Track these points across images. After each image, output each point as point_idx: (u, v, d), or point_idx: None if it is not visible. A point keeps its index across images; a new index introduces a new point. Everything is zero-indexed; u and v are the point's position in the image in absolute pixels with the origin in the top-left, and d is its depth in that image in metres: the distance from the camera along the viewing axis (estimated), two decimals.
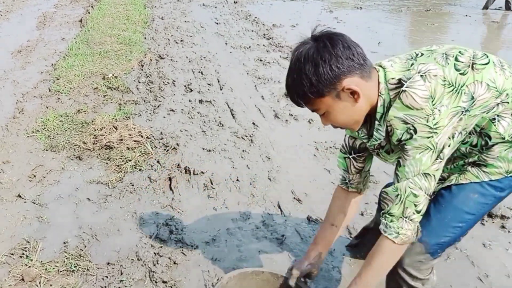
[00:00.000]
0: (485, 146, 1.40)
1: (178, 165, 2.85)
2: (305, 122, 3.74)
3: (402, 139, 1.28)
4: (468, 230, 1.50)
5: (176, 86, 4.38)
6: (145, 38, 5.92)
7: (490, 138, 1.38)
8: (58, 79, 4.15)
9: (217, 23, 7.56)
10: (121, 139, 2.96)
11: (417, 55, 1.38)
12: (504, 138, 1.37)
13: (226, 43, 6.21)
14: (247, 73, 4.98)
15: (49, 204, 2.40)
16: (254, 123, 3.64)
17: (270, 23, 7.75)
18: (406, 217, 1.33)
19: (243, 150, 3.18)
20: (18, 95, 3.91)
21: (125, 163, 2.77)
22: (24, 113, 3.49)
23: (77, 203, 2.43)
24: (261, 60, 5.47)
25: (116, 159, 2.82)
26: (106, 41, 5.29)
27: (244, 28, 7.27)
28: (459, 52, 1.34)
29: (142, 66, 4.70)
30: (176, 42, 6.08)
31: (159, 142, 3.11)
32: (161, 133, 3.28)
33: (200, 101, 4.03)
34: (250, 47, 6.07)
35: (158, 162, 2.86)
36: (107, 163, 2.81)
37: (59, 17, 7.24)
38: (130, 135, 3.01)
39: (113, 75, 4.26)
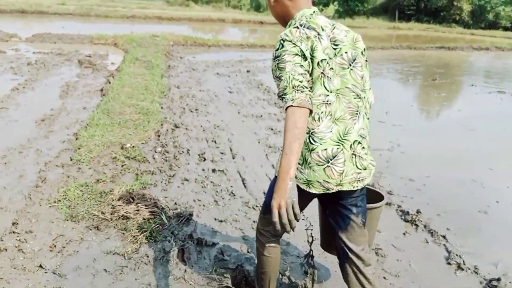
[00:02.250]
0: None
1: (191, 235, 2.96)
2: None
3: None
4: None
5: (190, 155, 4.58)
6: (162, 107, 6.24)
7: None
8: (79, 148, 4.38)
9: (230, 92, 7.92)
10: (138, 210, 3.10)
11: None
12: (312, 130, 1.75)
13: (238, 112, 6.49)
14: (259, 142, 5.19)
15: (68, 275, 2.50)
16: (264, 193, 3.76)
17: None
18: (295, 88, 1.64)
19: (254, 221, 3.29)
20: (41, 164, 4.11)
21: (141, 234, 2.89)
22: (47, 182, 3.68)
23: (95, 274, 2.53)
24: (272, 129, 5.71)
25: (132, 229, 2.94)
26: (126, 111, 5.59)
27: (256, 97, 7.61)
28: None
29: (159, 136, 4.94)
30: (191, 111, 6.38)
31: (173, 212, 3.25)
32: (175, 203, 3.42)
33: (213, 170, 4.20)
34: (261, 116, 6.34)
35: (172, 233, 2.98)
36: (123, 233, 2.93)
37: (81, 87, 7.66)
38: (146, 206, 3.16)
39: (131, 145, 4.48)
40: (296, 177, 1.71)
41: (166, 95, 7.09)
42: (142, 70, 8.74)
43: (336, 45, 1.78)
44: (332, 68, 1.75)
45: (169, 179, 3.90)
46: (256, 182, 4.02)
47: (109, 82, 7.49)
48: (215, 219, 3.29)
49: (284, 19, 1.87)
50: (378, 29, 33.55)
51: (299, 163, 1.78)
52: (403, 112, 7.28)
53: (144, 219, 3.05)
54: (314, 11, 1.82)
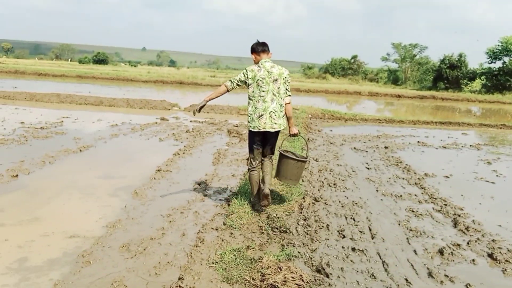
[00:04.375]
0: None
1: None
2: (461, 286, 3.68)
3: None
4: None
5: (329, 231, 4.73)
6: (302, 180, 6.57)
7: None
8: (231, 214, 4.86)
9: (368, 168, 7.98)
10: (285, 281, 3.32)
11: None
12: (255, 105, 4.78)
13: (377, 190, 6.50)
14: (399, 224, 5.12)
15: None
16: (406, 280, 3.71)
17: (421, 171, 7.89)
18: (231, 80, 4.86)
19: None
20: (199, 225, 4.67)
21: None
22: (204, 243, 4.15)
23: None
24: (413, 211, 5.59)
25: None
26: (271, 183, 6.03)
27: (395, 175, 7.53)
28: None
29: (301, 209, 5.22)
30: (329, 185, 6.59)
31: (317, 287, 3.40)
32: (320, 279, 3.57)
33: (353, 249, 4.27)
34: (401, 196, 6.25)
35: None
36: None
37: (230, 155, 8.49)
38: (293, 278, 3.37)
39: (276, 215, 4.82)
40: (251, 126, 4.71)
41: (306, 168, 7.45)
42: (284, 142, 9.33)
43: (270, 73, 4.66)
44: (263, 82, 4.63)
45: (312, 253, 4.08)
46: (397, 267, 3.97)
47: None
48: None
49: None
50: None
51: (251, 119, 4.69)
52: None
53: None
54: (266, 60, 4.73)
